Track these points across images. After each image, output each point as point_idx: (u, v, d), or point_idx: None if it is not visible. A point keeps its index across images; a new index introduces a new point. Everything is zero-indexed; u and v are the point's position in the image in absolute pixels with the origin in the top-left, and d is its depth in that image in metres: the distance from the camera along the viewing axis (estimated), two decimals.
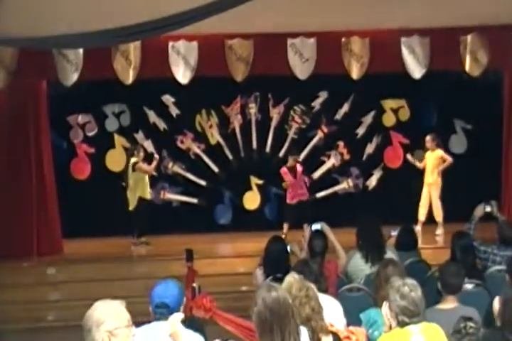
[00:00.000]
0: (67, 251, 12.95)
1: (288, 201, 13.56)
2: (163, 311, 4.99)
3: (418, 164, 13.46)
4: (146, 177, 13.37)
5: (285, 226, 13.33)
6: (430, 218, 13.38)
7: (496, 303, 5.32)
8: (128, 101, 14.56)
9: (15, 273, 11.63)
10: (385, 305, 5.31)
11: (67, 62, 12.09)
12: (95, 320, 3.85)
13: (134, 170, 13.18)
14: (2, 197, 12.25)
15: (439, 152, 13.25)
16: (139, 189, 13.21)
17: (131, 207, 13.19)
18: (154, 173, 13.92)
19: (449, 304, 6.02)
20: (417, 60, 12.63)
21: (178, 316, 4.40)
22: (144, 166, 13.29)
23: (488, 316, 5.73)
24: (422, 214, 13.38)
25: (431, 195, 13.33)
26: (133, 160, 13.23)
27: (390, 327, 4.96)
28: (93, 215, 13.72)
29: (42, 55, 11.83)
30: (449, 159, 13.26)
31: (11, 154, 12.35)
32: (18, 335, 9.90)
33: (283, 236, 11.23)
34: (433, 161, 13.25)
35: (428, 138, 13.29)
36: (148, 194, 13.42)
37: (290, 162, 13.54)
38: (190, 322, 5.25)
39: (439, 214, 13.29)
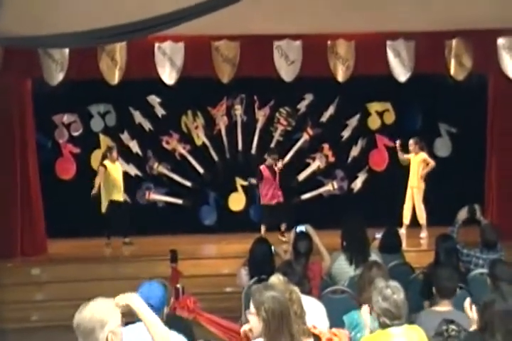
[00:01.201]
0: (51, 251, 12.91)
1: (263, 201, 13.68)
2: None
3: (401, 155, 13.52)
4: (117, 180, 13.28)
5: (263, 227, 13.42)
6: (415, 221, 13.44)
7: (467, 304, 5.35)
8: (113, 101, 14.53)
9: None
10: (365, 308, 5.36)
11: (52, 62, 12.05)
12: (99, 320, 3.87)
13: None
14: None
15: (422, 155, 13.33)
16: (109, 191, 13.19)
17: (103, 209, 13.24)
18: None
19: (445, 307, 6.07)
20: (403, 63, 12.67)
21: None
22: (101, 172, 13.17)
23: None
24: (406, 217, 13.44)
25: (414, 197, 13.40)
26: (104, 162, 13.29)
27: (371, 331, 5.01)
28: (78, 215, 13.67)
29: (27, 54, 11.77)
30: (432, 162, 13.33)
31: None
32: (2, 335, 9.90)
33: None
34: (416, 164, 13.33)
35: (411, 141, 13.39)
36: (119, 196, 13.32)
37: (268, 161, 13.63)
38: (174, 323, 5.28)
39: (422, 217, 13.35)
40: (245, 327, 4.75)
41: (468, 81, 12.87)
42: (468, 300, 5.40)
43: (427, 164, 13.34)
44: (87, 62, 12.17)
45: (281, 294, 4.58)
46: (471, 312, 5.23)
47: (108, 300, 4.02)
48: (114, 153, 13.35)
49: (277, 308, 4.46)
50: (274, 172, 13.58)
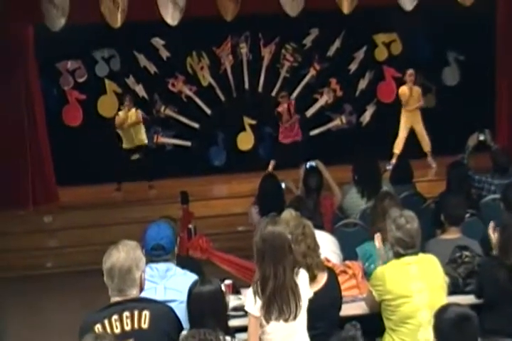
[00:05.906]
0: (62, 198, 12.95)
1: (280, 140, 13.62)
2: (160, 253, 4.97)
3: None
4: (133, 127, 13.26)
5: (271, 163, 13.43)
6: (422, 151, 13.34)
7: (491, 229, 5.32)
8: (117, 45, 14.36)
9: (12, 222, 11.67)
10: (377, 237, 5.33)
11: (53, 7, 11.80)
12: (134, 259, 4.05)
13: None
14: None
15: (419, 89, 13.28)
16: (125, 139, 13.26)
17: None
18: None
19: (453, 234, 6.02)
20: None
21: None
22: (118, 117, 13.21)
23: (483, 244, 5.74)
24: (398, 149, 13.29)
25: (416, 127, 13.26)
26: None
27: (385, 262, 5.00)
28: (87, 162, 13.65)
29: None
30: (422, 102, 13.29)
31: (1, 102, 12.18)
32: (19, 283, 9.97)
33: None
34: (417, 97, 13.23)
35: (411, 71, 13.18)
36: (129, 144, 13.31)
37: (282, 101, 13.52)
38: (186, 263, 5.27)
39: (428, 144, 13.26)
40: None
41: (476, 6, 12.56)
42: (491, 224, 5.39)
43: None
44: (88, 5, 11.89)
45: (279, 233, 4.56)
46: (494, 235, 5.22)
47: (132, 242, 4.15)
48: (127, 102, 13.27)
49: (259, 243, 4.54)
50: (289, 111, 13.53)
